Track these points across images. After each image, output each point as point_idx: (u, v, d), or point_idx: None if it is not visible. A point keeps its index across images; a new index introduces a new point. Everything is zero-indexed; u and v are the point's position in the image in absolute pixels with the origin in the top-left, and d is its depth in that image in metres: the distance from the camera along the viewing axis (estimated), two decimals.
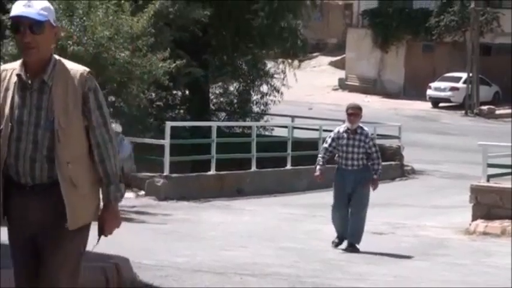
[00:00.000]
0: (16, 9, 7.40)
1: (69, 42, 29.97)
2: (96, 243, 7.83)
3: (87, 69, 7.60)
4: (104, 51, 30.43)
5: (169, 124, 32.65)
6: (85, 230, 7.58)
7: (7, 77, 7.59)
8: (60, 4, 30.36)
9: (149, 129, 34.34)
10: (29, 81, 7.39)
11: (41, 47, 7.37)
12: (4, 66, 7.73)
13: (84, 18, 30.39)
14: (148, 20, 31.26)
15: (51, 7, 7.62)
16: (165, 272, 15.97)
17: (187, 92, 42.10)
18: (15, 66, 7.59)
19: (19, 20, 7.34)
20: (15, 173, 7.43)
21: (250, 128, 36.80)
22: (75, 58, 29.14)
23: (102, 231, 7.53)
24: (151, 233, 22.35)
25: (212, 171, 32.78)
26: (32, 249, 7.59)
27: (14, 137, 7.45)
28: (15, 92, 7.49)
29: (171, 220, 25.31)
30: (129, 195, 28.69)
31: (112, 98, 32.23)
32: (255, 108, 42.65)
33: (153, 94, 36.19)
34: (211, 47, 40.23)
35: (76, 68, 7.57)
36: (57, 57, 7.59)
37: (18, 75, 7.45)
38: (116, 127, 30.10)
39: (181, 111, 39.32)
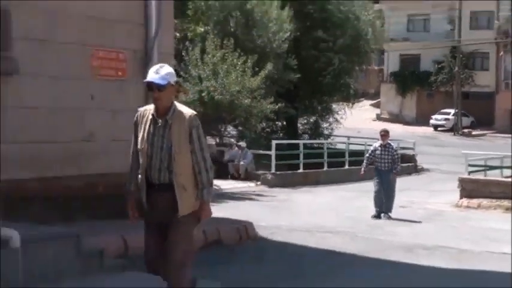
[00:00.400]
0: (149, 76, 7.36)
1: (215, 93, 31.19)
2: (199, 226, 7.82)
3: (194, 112, 7.52)
4: (235, 99, 31.52)
5: (274, 142, 32.12)
6: (191, 216, 7.38)
7: (146, 114, 7.47)
8: (209, 70, 31.50)
9: (262, 145, 33.75)
10: (158, 120, 7.34)
11: (164, 99, 7.29)
12: (145, 107, 7.63)
13: (224, 79, 31.29)
14: (261, 80, 32.04)
15: (173, 71, 7.48)
16: (273, 230, 15.89)
17: (284, 123, 40.69)
18: (151, 107, 7.49)
19: (151, 83, 7.26)
20: (150, 177, 7.39)
21: (322, 143, 36.86)
22: (218, 103, 31.01)
23: (199, 219, 7.44)
24: (265, 207, 22.38)
25: (300, 170, 32.55)
26: (158, 226, 7.46)
27: (149, 155, 7.37)
28: (150, 125, 7.40)
29: (276, 200, 25.10)
30: (251, 184, 29.55)
31: (240, 127, 33.56)
32: (325, 132, 43.00)
33: (264, 124, 36.37)
34: (299, 96, 39.63)
35: (186, 112, 7.43)
36: (176, 103, 7.48)
37: (152, 115, 7.40)
38: (242, 144, 31.41)
39: (281, 134, 39.67)
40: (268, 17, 36.07)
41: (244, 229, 14.94)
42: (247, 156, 31.04)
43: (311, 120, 43.02)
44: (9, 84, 9.64)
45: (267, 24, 36.11)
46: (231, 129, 34.77)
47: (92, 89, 12.49)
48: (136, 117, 7.54)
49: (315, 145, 36.62)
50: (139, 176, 7.46)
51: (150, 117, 7.35)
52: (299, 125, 42.45)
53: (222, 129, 33.92)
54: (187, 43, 31.62)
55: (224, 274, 10.54)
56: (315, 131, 42.48)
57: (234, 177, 30.59)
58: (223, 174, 30.34)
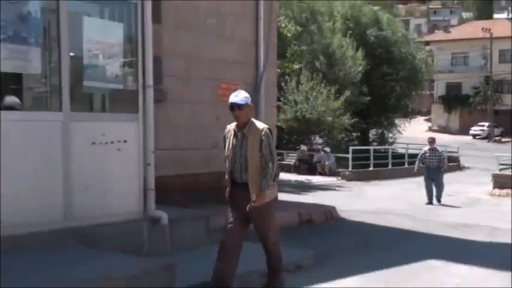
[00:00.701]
0: (231, 98, 7.17)
1: (306, 113, 31.19)
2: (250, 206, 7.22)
3: (266, 126, 7.25)
4: (321, 117, 31.51)
5: (351, 148, 31.76)
6: (270, 203, 7.09)
7: (231, 130, 7.29)
8: (302, 96, 31.51)
9: (342, 150, 32.95)
10: (238, 133, 7.18)
11: (242, 116, 7.14)
12: (231, 125, 7.38)
13: (313, 102, 31.27)
14: (341, 102, 31.96)
15: (248, 96, 7.27)
16: (350, 213, 15.55)
17: (358, 134, 40.39)
18: (234, 124, 7.30)
19: (232, 104, 7.12)
20: (233, 176, 7.21)
21: (387, 149, 36.33)
22: (309, 120, 31.04)
23: (254, 202, 7.00)
24: (344, 195, 21.83)
25: (371, 168, 31.66)
26: (239, 213, 7.20)
27: (233, 160, 7.20)
28: (233, 138, 7.23)
29: (352, 190, 24.46)
30: (334, 179, 29.10)
31: (325, 137, 33.38)
32: (390, 140, 42.37)
33: (343, 134, 36.10)
34: (370, 114, 39.24)
35: (259, 126, 7.19)
36: (252, 119, 7.27)
37: (234, 130, 7.25)
38: (327, 149, 31.37)
39: (356, 142, 39.29)
40: (345, 57, 36.10)
41: (329, 212, 14.73)
42: (330, 158, 30.98)
43: (379, 131, 42.63)
44: (160, 108, 9.85)
45: (345, 62, 36.05)
46: (318, 139, 34.68)
47: (218, 111, 12.54)
48: (225, 133, 7.42)
49: (382, 150, 36.11)
50: (226, 175, 7.35)
51: (233, 131, 7.23)
52: (370, 135, 42.12)
53: (312, 139, 33.89)
54: (286, 77, 31.46)
55: (315, 244, 10.62)
56: (382, 139, 41.98)
57: (320, 174, 30.57)
58: (313, 172, 30.38)
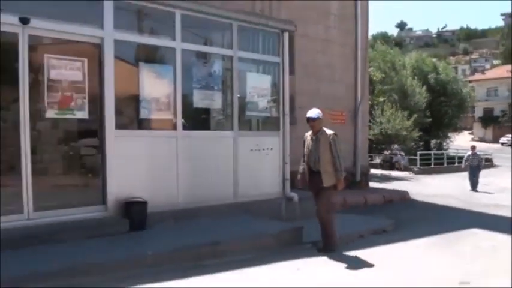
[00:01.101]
0: (308, 114, 6.88)
1: (388, 130, 30.42)
2: (336, 195, 7.01)
3: (333, 132, 6.82)
4: (398, 132, 30.40)
5: (418, 152, 30.09)
6: (331, 188, 6.73)
7: (307, 135, 6.97)
8: (385, 119, 30.62)
9: (412, 154, 31.78)
10: (313, 137, 6.82)
11: (316, 126, 6.80)
12: (308, 132, 7.03)
13: (393, 122, 30.54)
14: (411, 122, 30.87)
15: (320, 112, 6.94)
16: (417, 196, 14.62)
17: (423, 143, 38.01)
18: (310, 132, 6.95)
19: (308, 117, 6.83)
20: (310, 166, 6.82)
21: (443, 153, 35.06)
22: (390, 135, 29.93)
23: (336, 189, 6.74)
24: (413, 184, 19.79)
25: (432, 166, 29.73)
26: (313, 191, 6.92)
27: (309, 155, 6.84)
28: (310, 140, 6.88)
29: (419, 181, 22.66)
30: (407, 173, 27.44)
31: (401, 146, 32.26)
32: (444, 147, 40.78)
33: (413, 143, 34.83)
34: (431, 130, 37.75)
35: (328, 132, 6.81)
36: (323, 127, 6.88)
37: (310, 135, 6.91)
38: (402, 153, 30.28)
39: (422, 148, 37.85)
40: (414, 91, 35.35)
41: (403, 194, 14.19)
42: (404, 159, 29.82)
43: (437, 141, 41.20)
44: (293, 128, 9.96)
45: (414, 95, 34.93)
46: (396, 146, 33.80)
47: (329, 128, 12.35)
48: (304, 138, 7.12)
49: (439, 154, 34.65)
50: (305, 165, 6.99)
51: (309, 136, 6.96)
52: (431, 143, 40.84)
53: (392, 146, 32.95)
54: (374, 106, 30.66)
55: (395, 216, 10.26)
56: (439, 147, 40.34)
57: (398, 170, 29.67)
58: (392, 168, 29.50)
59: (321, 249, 6.85)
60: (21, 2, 6.25)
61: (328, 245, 6.83)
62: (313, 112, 6.92)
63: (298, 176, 7.16)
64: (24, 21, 6.18)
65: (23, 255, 5.39)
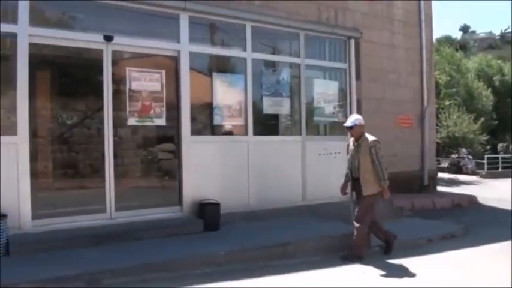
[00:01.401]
0: (346, 123, 6.56)
1: (455, 133, 29.23)
2: (382, 203, 6.76)
3: (374, 139, 6.40)
4: (465, 135, 29.27)
5: (486, 156, 28.25)
6: (371, 197, 6.33)
7: (351, 142, 6.58)
8: (452, 122, 29.48)
9: (480, 157, 29.91)
10: (355, 143, 6.44)
11: (354, 133, 6.43)
12: (351, 138, 6.60)
13: (460, 125, 29.29)
14: (478, 126, 29.71)
15: (359, 118, 6.52)
16: (485, 200, 13.74)
17: (491, 146, 36.40)
18: (353, 138, 6.56)
19: (346, 126, 6.52)
20: (353, 173, 6.43)
21: (511, 157, 33.43)
22: (457, 138, 28.83)
23: (383, 197, 6.35)
24: (481, 188, 18.94)
25: (499, 170, 27.63)
26: (357, 200, 6.48)
27: (352, 162, 6.47)
28: (352, 146, 6.50)
29: (487, 185, 20.89)
30: (474, 177, 25.66)
31: (468, 149, 30.81)
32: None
33: (480, 147, 32.89)
34: (498, 133, 35.94)
35: (369, 138, 6.39)
36: (365, 133, 6.48)
37: (353, 141, 6.50)
38: (470, 157, 29.00)
39: (489, 151, 35.90)
40: (481, 94, 33.84)
41: (471, 198, 13.55)
42: (472, 163, 28.56)
43: (504, 144, 39.49)
44: None
45: (480, 98, 33.55)
46: (464, 150, 32.50)
47: (396, 132, 12.03)
48: (348, 144, 6.78)
49: (507, 157, 33.06)
50: (348, 172, 6.60)
51: (352, 143, 6.57)
52: (498, 147, 39.14)
53: (459, 150, 31.60)
54: (440, 110, 29.62)
55: (463, 220, 9.71)
56: (507, 150, 38.63)
57: (465, 173, 28.52)
58: (459, 172, 28.38)
59: (345, 257, 6.41)
60: (106, 21, 6.58)
61: (350, 255, 6.42)
62: (350, 120, 6.60)
63: (344, 186, 6.82)
64: (108, 38, 6.54)
65: (105, 252, 5.61)
